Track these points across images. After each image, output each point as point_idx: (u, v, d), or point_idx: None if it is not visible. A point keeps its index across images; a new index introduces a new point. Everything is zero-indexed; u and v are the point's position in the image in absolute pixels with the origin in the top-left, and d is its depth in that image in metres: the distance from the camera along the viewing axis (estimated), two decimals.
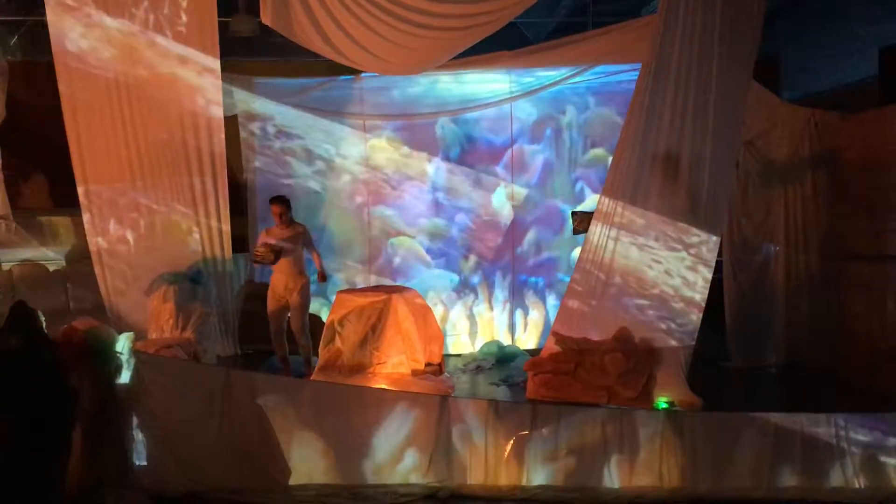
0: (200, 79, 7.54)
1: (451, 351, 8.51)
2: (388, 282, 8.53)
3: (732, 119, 6.45)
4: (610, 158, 7.36)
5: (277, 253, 7.08)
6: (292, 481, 4.91)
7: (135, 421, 4.84)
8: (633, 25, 7.53)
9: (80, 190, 7.55)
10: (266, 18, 7.02)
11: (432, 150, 8.83)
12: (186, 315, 6.99)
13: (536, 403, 5.62)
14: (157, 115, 7.56)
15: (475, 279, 8.87)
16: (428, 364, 6.80)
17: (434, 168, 8.82)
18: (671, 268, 6.47)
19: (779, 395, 7.06)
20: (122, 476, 4.76)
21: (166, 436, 4.85)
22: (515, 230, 8.86)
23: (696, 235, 6.41)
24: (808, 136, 7.73)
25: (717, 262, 6.64)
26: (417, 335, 6.69)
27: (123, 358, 4.83)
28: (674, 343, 6.42)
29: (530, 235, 8.89)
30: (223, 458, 4.87)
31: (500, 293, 8.87)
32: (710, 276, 6.46)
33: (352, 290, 7.47)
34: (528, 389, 6.59)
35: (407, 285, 7.79)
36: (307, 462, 4.94)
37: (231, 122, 8.36)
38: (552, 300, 8.78)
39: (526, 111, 8.78)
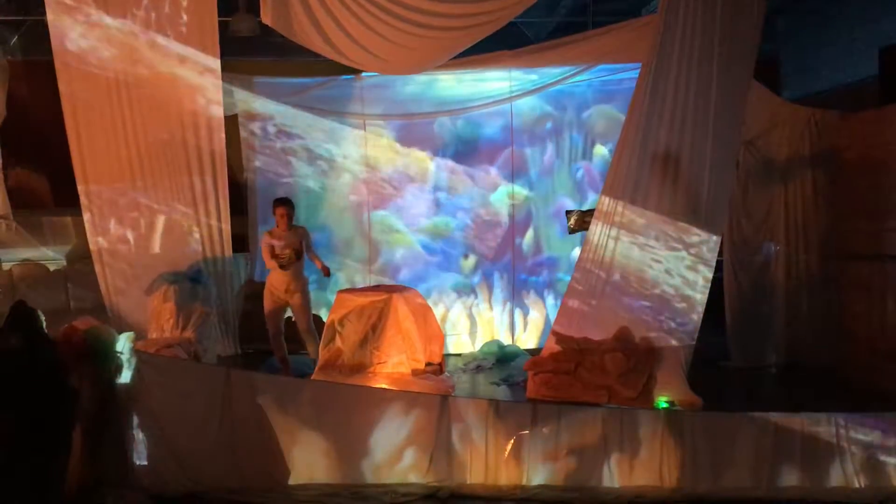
0: (200, 78, 7.54)
1: (452, 350, 8.51)
2: (388, 281, 8.53)
3: (733, 119, 6.45)
4: (611, 157, 7.36)
5: (298, 253, 7.09)
6: (292, 481, 4.92)
7: (135, 421, 4.83)
8: (634, 25, 7.55)
9: (80, 189, 7.55)
10: (266, 18, 7.01)
11: (432, 150, 8.83)
12: (187, 315, 6.98)
13: (537, 403, 5.62)
14: (158, 115, 7.56)
15: (475, 279, 8.88)
16: (428, 364, 6.80)
17: (434, 167, 8.82)
18: (671, 267, 6.46)
19: (779, 394, 7.06)
20: (122, 476, 4.76)
21: (166, 435, 4.85)
22: (515, 230, 8.86)
23: (697, 235, 6.41)
24: (808, 136, 7.73)
25: (717, 261, 6.64)
26: (418, 335, 6.69)
27: (124, 358, 4.83)
28: (674, 343, 6.42)
29: (530, 235, 8.90)
30: (223, 458, 4.86)
31: (501, 293, 8.87)
32: (710, 275, 6.45)
33: (352, 290, 7.46)
34: (528, 389, 6.59)
35: (407, 285, 7.78)
36: (307, 462, 4.94)
37: (231, 122, 8.36)
38: (552, 299, 8.78)
39: (526, 110, 8.78)
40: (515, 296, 8.87)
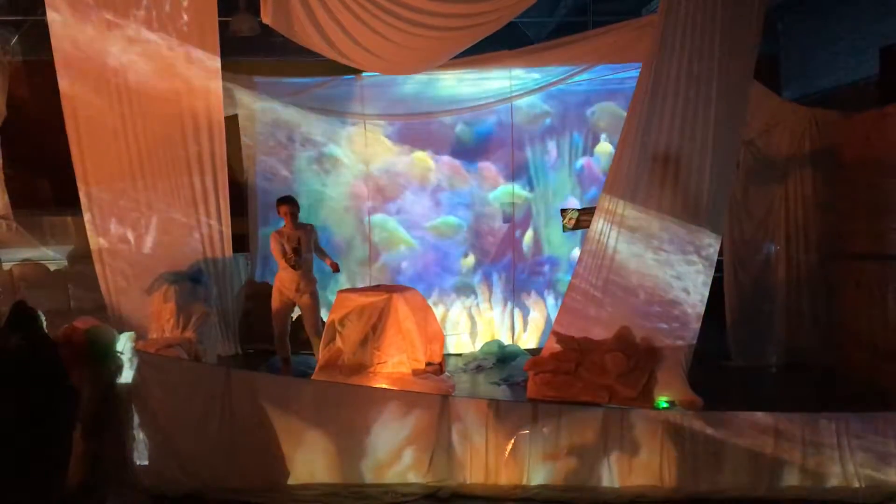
0: (201, 78, 7.53)
1: (452, 350, 8.52)
2: (388, 281, 8.54)
3: (733, 119, 6.45)
4: (611, 157, 7.36)
5: (297, 250, 7.11)
6: (293, 481, 4.92)
7: (135, 420, 4.84)
8: (634, 25, 7.55)
9: (80, 189, 7.55)
10: (266, 18, 7.01)
11: (432, 150, 8.84)
12: (187, 315, 6.98)
13: (537, 403, 5.61)
14: (158, 115, 7.55)
15: (475, 278, 8.88)
16: (429, 363, 6.80)
17: (434, 167, 8.83)
18: (672, 267, 6.46)
19: (779, 394, 7.06)
20: (123, 476, 4.76)
21: (167, 435, 4.86)
22: (516, 229, 8.86)
23: (697, 235, 6.41)
24: (808, 136, 7.74)
25: (717, 260, 6.64)
26: (418, 334, 6.69)
27: (124, 358, 4.83)
28: (675, 342, 6.42)
29: (531, 235, 8.90)
30: (224, 458, 4.87)
31: (501, 292, 8.87)
32: (711, 275, 6.45)
33: (352, 290, 7.47)
34: (528, 389, 6.59)
35: (408, 285, 7.78)
36: (308, 462, 4.94)
37: (231, 122, 8.36)
38: (552, 299, 8.79)
39: (527, 110, 8.78)
40: (516, 296, 8.87)
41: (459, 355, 8.49)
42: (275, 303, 7.26)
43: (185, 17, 7.40)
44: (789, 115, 7.78)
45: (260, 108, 8.73)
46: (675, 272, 6.45)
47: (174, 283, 7.23)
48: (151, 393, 4.85)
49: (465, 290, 8.87)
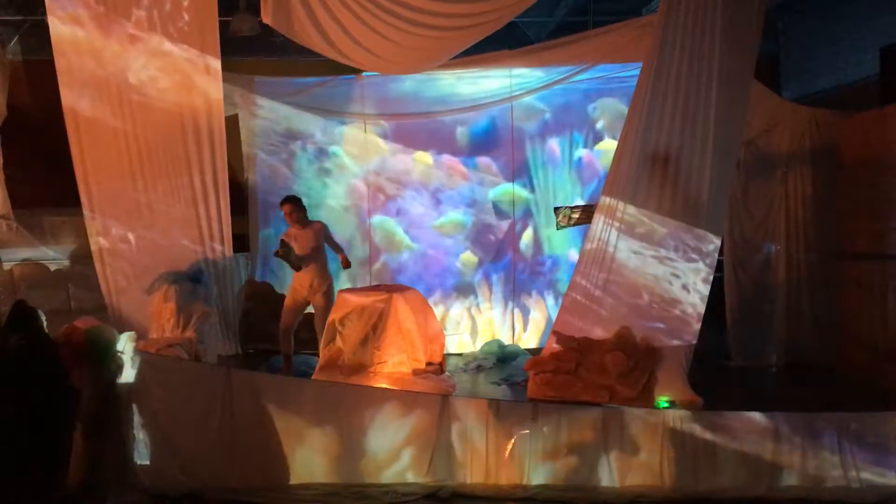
0: (201, 78, 7.53)
1: (452, 350, 8.51)
2: (388, 281, 8.54)
3: (733, 118, 6.44)
4: (612, 153, 7.35)
5: (288, 252, 7.08)
6: (293, 481, 4.92)
7: (136, 420, 4.84)
8: (634, 25, 7.56)
9: (80, 189, 7.54)
10: (266, 18, 7.01)
11: (433, 149, 8.84)
12: (187, 314, 6.98)
13: (537, 402, 5.61)
14: (158, 115, 7.55)
15: (476, 278, 8.88)
16: (429, 363, 6.81)
17: (435, 167, 8.82)
18: (672, 267, 6.46)
19: (779, 394, 7.07)
20: (123, 475, 4.76)
21: (167, 435, 4.86)
22: (516, 229, 8.86)
23: (697, 234, 6.41)
24: (808, 136, 7.74)
25: (717, 260, 6.64)
26: (418, 334, 6.69)
27: (124, 357, 4.83)
28: (675, 342, 6.41)
29: (531, 234, 8.90)
30: (224, 458, 4.87)
31: (501, 292, 8.87)
32: (711, 274, 6.45)
33: (353, 290, 7.46)
34: (528, 388, 6.59)
35: (408, 284, 7.78)
36: (308, 461, 4.95)
37: (231, 122, 8.36)
38: (552, 299, 8.78)
39: (527, 109, 8.77)
40: (516, 295, 8.87)
41: (460, 355, 8.48)
42: (287, 299, 7.33)
43: (186, 16, 7.39)
44: (789, 114, 7.78)
45: (260, 107, 8.73)
46: (675, 272, 6.45)
47: (174, 283, 7.23)
48: (152, 393, 4.85)
49: (466, 289, 8.87)
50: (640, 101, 6.44)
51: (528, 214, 8.88)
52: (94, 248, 7.65)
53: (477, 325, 8.86)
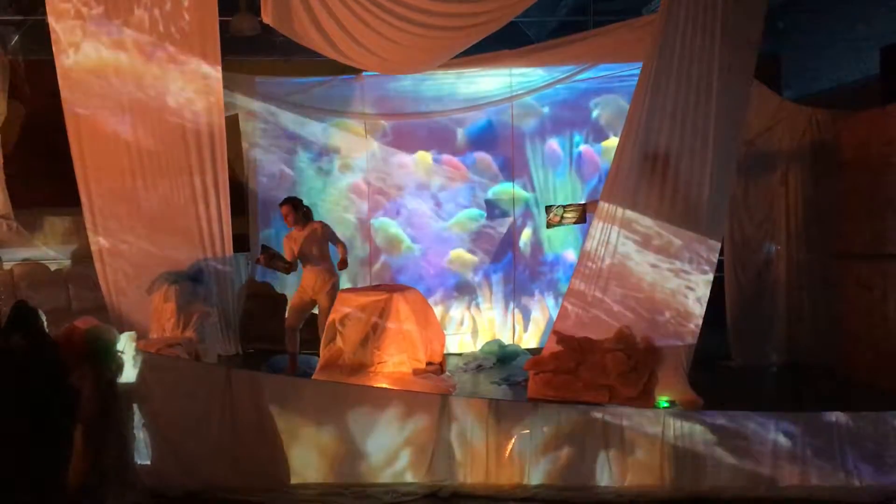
0: (201, 78, 7.54)
1: (452, 350, 8.52)
2: (389, 281, 8.54)
3: (733, 119, 6.44)
4: (612, 149, 7.36)
5: (271, 258, 7.08)
6: (293, 480, 4.92)
7: (136, 420, 4.83)
8: (634, 25, 7.56)
9: (80, 189, 7.56)
10: (267, 17, 7.02)
11: (433, 149, 8.84)
12: (188, 314, 6.99)
13: (537, 402, 5.61)
14: (158, 115, 7.56)
15: (476, 278, 8.88)
16: (429, 363, 6.81)
17: (435, 166, 8.83)
18: (672, 268, 6.46)
19: (779, 394, 7.07)
20: (123, 475, 4.75)
21: (167, 435, 4.85)
22: (517, 229, 8.87)
23: (697, 235, 6.40)
24: (809, 135, 7.74)
25: (717, 260, 6.64)
26: (419, 334, 6.69)
27: (125, 357, 4.83)
28: (675, 342, 6.41)
29: (532, 234, 8.90)
30: (224, 458, 4.87)
31: (501, 292, 8.88)
32: (711, 275, 6.45)
33: (353, 289, 7.47)
34: (529, 388, 6.59)
35: (408, 284, 7.79)
36: (308, 461, 4.95)
37: (232, 122, 8.36)
38: (553, 299, 8.79)
39: (528, 109, 8.78)
40: (516, 295, 8.87)
41: (460, 355, 8.48)
42: (294, 297, 7.35)
43: (186, 16, 7.40)
44: (789, 114, 7.78)
45: (260, 107, 8.73)
46: (675, 272, 6.45)
47: (174, 283, 7.24)
48: (152, 393, 4.85)
49: (466, 289, 8.87)
50: (640, 101, 6.43)
51: (528, 214, 8.89)
52: (94, 248, 7.66)
53: (477, 325, 8.86)
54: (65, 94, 7.43)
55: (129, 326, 6.85)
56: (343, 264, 7.18)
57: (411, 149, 8.82)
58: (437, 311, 8.26)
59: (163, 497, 4.74)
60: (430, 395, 5.33)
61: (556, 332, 6.69)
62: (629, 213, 6.44)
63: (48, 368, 4.24)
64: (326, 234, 7.24)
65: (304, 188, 8.77)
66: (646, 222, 6.44)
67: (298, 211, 7.22)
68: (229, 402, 4.89)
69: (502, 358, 8.19)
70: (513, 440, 4.91)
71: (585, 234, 6.94)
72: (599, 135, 8.82)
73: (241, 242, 8.55)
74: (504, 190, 8.84)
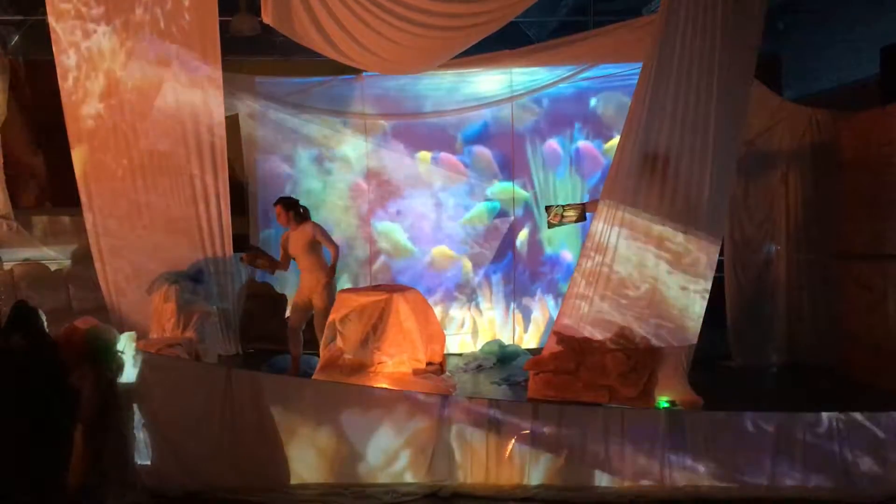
0: (201, 78, 7.53)
1: (453, 350, 8.52)
2: (389, 281, 8.54)
3: (734, 119, 6.44)
4: (612, 156, 7.36)
5: (254, 256, 7.12)
6: (293, 481, 4.92)
7: (136, 420, 4.84)
8: (634, 25, 7.56)
9: (80, 189, 7.55)
10: (267, 17, 7.01)
11: (433, 149, 8.84)
12: (188, 314, 6.97)
13: (537, 403, 5.62)
14: (158, 115, 7.55)
15: (476, 278, 8.88)
16: (429, 363, 6.81)
17: (435, 167, 8.82)
18: (672, 268, 6.45)
19: (780, 394, 7.07)
20: (123, 475, 4.76)
21: (167, 435, 4.86)
22: (517, 229, 8.87)
23: (697, 236, 6.40)
24: (809, 135, 7.75)
25: (717, 260, 6.64)
26: (419, 334, 6.69)
27: (125, 357, 4.83)
28: (675, 342, 6.41)
29: (532, 234, 8.90)
30: (224, 458, 4.87)
31: (502, 292, 8.88)
32: (711, 275, 6.45)
33: (353, 290, 7.46)
34: (529, 388, 6.59)
35: (408, 284, 7.79)
36: (308, 461, 4.95)
37: (232, 122, 8.36)
38: (553, 299, 8.79)
39: (527, 109, 8.77)
40: (516, 295, 8.87)
41: (460, 355, 8.48)
42: (295, 298, 7.35)
43: (187, 16, 7.40)
44: (789, 115, 7.78)
45: (260, 107, 8.73)
46: (675, 272, 6.44)
47: (174, 283, 7.23)
48: (152, 393, 4.85)
49: (466, 289, 8.87)
50: (640, 101, 6.42)
51: (528, 214, 8.88)
52: (94, 248, 7.66)
53: (477, 325, 8.86)
54: (64, 94, 7.42)
55: (129, 326, 6.85)
56: (331, 271, 7.11)
57: (411, 149, 8.82)
58: (437, 311, 8.25)
59: (163, 497, 4.74)
60: (431, 395, 5.33)
61: (556, 333, 6.68)
62: (629, 213, 6.44)
63: (48, 368, 4.25)
64: (318, 236, 7.15)
65: (304, 188, 8.77)
66: (646, 222, 6.44)
67: (290, 211, 7.19)
68: (229, 402, 4.90)
69: (502, 358, 8.20)
70: (513, 440, 4.91)
71: (585, 234, 6.95)
72: (599, 131, 8.80)
73: (241, 242, 8.53)
74: (504, 189, 8.84)
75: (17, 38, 8.98)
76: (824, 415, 4.91)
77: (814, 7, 8.85)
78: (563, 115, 8.80)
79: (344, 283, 8.70)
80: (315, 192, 8.81)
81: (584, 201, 7.89)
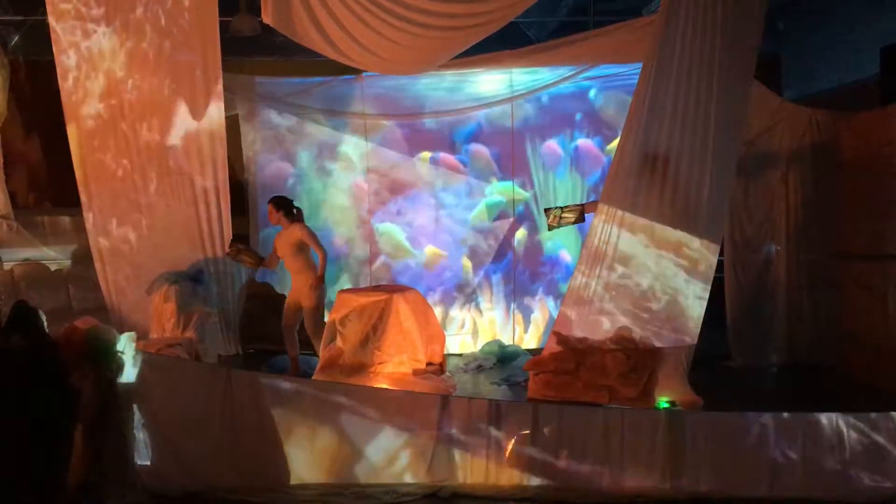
0: (201, 78, 7.53)
1: (452, 350, 8.52)
2: (389, 281, 8.54)
3: (734, 119, 6.44)
4: (612, 156, 7.36)
5: (237, 251, 7.16)
6: (293, 481, 4.92)
7: (136, 420, 4.84)
8: (634, 25, 7.55)
9: (81, 189, 7.56)
10: (267, 18, 7.01)
11: (433, 149, 8.84)
12: (188, 315, 6.98)
13: (537, 403, 5.62)
14: (158, 115, 7.56)
15: (476, 278, 8.88)
16: (429, 363, 6.81)
17: (435, 167, 8.82)
18: (672, 268, 6.45)
19: (780, 394, 7.07)
20: (123, 475, 4.76)
21: (167, 435, 4.86)
22: (516, 229, 8.87)
23: (697, 237, 6.40)
24: (809, 136, 7.75)
25: (718, 261, 6.64)
26: (419, 334, 6.69)
27: (125, 357, 4.83)
28: (675, 342, 6.41)
29: (531, 234, 8.90)
30: (224, 458, 4.87)
31: (502, 292, 8.87)
32: (711, 275, 6.45)
33: (353, 290, 7.47)
34: (529, 389, 6.59)
35: (408, 284, 7.79)
36: (308, 461, 4.95)
37: (232, 122, 8.36)
38: (553, 299, 8.79)
39: (528, 109, 8.77)
40: (516, 296, 8.87)
41: (460, 355, 8.48)
42: (287, 298, 7.34)
43: (187, 16, 7.40)
44: (789, 115, 7.78)
45: (260, 107, 8.73)
46: (675, 272, 6.45)
47: (174, 283, 7.24)
48: (152, 393, 4.85)
49: (466, 289, 8.87)
50: (640, 102, 6.42)
51: (528, 214, 8.88)
52: (94, 248, 7.66)
53: (477, 325, 8.86)
54: (65, 94, 7.42)
55: (129, 326, 6.86)
56: (321, 276, 7.03)
57: (411, 148, 8.82)
58: (438, 311, 8.26)
59: (163, 497, 4.74)
60: (431, 395, 5.33)
61: (556, 333, 6.68)
62: (629, 214, 6.44)
63: (48, 368, 4.25)
64: (305, 238, 7.07)
65: (304, 188, 8.77)
66: (646, 222, 6.43)
67: (281, 210, 7.16)
68: (229, 402, 4.90)
69: (502, 358, 8.20)
70: (513, 440, 4.91)
71: (585, 235, 6.95)
72: (599, 129, 8.79)
73: (242, 242, 8.52)
74: (504, 189, 8.83)
75: (17, 38, 8.98)
76: (824, 415, 4.91)
77: (814, 7, 8.85)
78: (562, 114, 8.79)
79: (344, 283, 8.70)
80: (315, 192, 8.81)
81: (584, 202, 7.88)
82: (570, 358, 6.46)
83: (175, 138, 7.61)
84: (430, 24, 6.83)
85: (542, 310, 8.87)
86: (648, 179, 6.41)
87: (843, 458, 4.83)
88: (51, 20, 7.32)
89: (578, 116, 8.78)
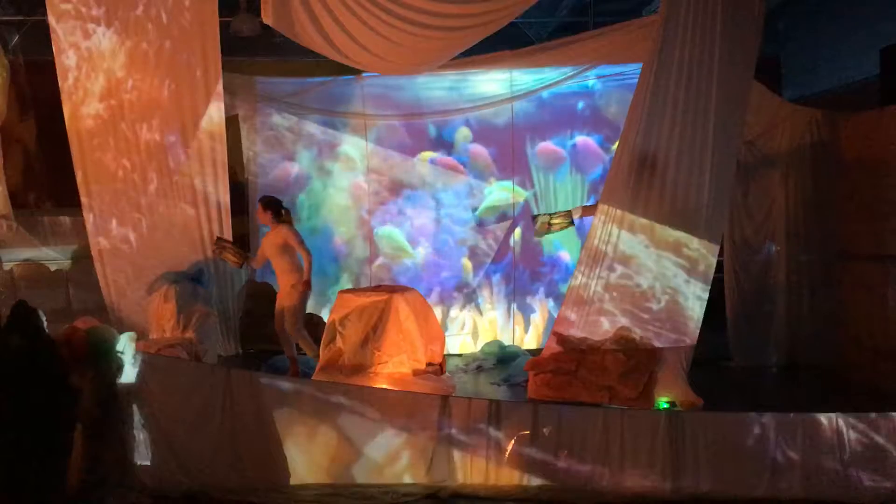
0: (201, 78, 7.54)
1: (452, 351, 8.52)
2: (388, 281, 8.54)
3: (734, 120, 6.44)
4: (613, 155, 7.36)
5: (222, 248, 7.11)
6: (293, 481, 4.92)
7: (136, 420, 4.84)
8: (635, 25, 7.56)
9: (81, 189, 7.56)
10: (267, 18, 7.00)
11: (433, 150, 8.84)
12: (188, 315, 6.99)
13: (537, 403, 5.62)
14: (159, 115, 7.56)
15: (476, 279, 8.88)
16: (429, 364, 6.81)
17: (435, 167, 8.82)
18: (672, 269, 6.46)
19: (779, 394, 7.07)
20: (123, 475, 4.76)
21: (167, 435, 4.85)
22: (516, 229, 8.86)
23: (697, 237, 6.40)
24: (809, 136, 7.74)
25: (718, 261, 6.64)
26: (419, 335, 6.69)
27: (125, 358, 4.83)
28: (675, 342, 6.41)
29: (531, 234, 8.88)
30: (224, 458, 4.87)
31: (502, 293, 8.87)
32: (711, 276, 6.45)
33: (353, 290, 7.47)
34: (529, 389, 6.60)
35: (408, 285, 7.79)
36: (308, 461, 4.95)
37: (232, 122, 8.36)
38: (553, 300, 8.78)
39: (527, 110, 8.77)
40: (516, 296, 8.87)
41: (460, 355, 8.49)
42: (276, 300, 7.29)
43: (187, 16, 7.40)
44: (789, 115, 7.78)
45: (260, 108, 8.73)
46: (675, 274, 6.45)
47: (174, 283, 7.24)
48: (152, 393, 4.85)
49: (466, 290, 8.87)
50: (640, 102, 6.43)
51: (528, 213, 8.87)
52: (94, 248, 7.67)
53: (477, 325, 8.86)
54: (65, 94, 7.42)
55: (129, 327, 6.86)
56: (306, 284, 6.97)
57: (411, 149, 8.81)
58: (438, 311, 8.26)
59: (163, 497, 4.74)
60: (431, 395, 5.33)
61: (555, 333, 6.69)
62: (629, 214, 6.44)
63: (48, 368, 4.25)
64: (290, 240, 6.98)
65: (304, 188, 8.77)
66: (645, 222, 6.44)
67: (269, 210, 7.08)
68: (229, 402, 4.90)
69: (502, 359, 8.19)
70: (513, 441, 4.91)
71: (585, 235, 6.95)
72: (599, 128, 8.78)
73: (241, 242, 8.53)
74: (503, 188, 8.83)
75: (17, 38, 8.98)
76: (824, 415, 4.91)
77: (814, 7, 8.85)
78: (562, 112, 8.79)
79: (344, 283, 8.71)
80: (315, 192, 8.82)
81: (580, 205, 7.91)
82: (569, 358, 6.46)
83: (175, 138, 7.61)
84: (430, 24, 6.83)
85: (542, 310, 8.87)
86: (648, 179, 6.41)
87: (843, 458, 4.83)
88: (51, 20, 7.32)
89: (579, 111, 8.78)
